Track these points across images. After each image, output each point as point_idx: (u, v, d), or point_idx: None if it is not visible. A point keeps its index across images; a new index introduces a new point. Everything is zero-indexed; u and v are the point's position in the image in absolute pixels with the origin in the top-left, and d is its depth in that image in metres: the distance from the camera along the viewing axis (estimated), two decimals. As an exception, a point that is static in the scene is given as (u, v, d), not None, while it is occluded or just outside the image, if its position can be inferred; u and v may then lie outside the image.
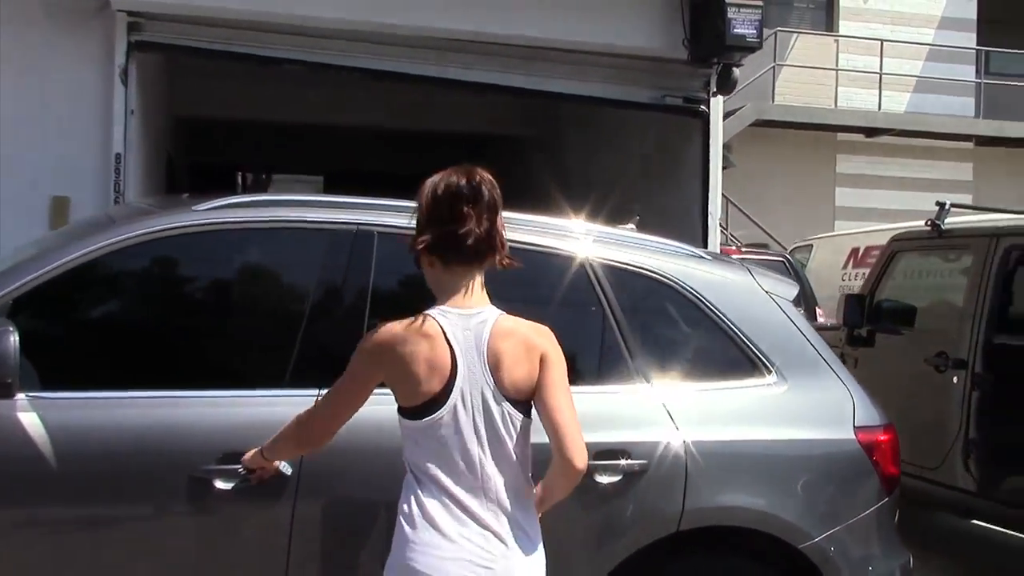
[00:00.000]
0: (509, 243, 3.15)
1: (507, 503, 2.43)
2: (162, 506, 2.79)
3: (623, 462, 3.04)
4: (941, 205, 5.96)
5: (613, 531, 3.04)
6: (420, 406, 2.39)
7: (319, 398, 2.62)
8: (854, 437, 3.31)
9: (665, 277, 3.32)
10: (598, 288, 3.24)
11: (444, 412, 2.39)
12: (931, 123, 16.79)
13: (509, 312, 2.52)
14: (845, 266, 10.80)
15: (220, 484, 2.76)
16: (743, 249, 11.21)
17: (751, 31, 5.32)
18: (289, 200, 3.19)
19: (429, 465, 2.40)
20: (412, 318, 2.42)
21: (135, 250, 2.96)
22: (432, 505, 2.38)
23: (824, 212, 16.82)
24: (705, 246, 6.19)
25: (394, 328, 2.42)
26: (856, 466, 3.31)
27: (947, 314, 5.96)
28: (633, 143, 7.28)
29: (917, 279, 6.43)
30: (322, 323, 3.02)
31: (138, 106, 5.59)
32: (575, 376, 3.12)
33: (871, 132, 16.80)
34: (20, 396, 2.72)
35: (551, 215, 3.50)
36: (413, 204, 3.07)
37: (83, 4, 5.29)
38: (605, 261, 3.29)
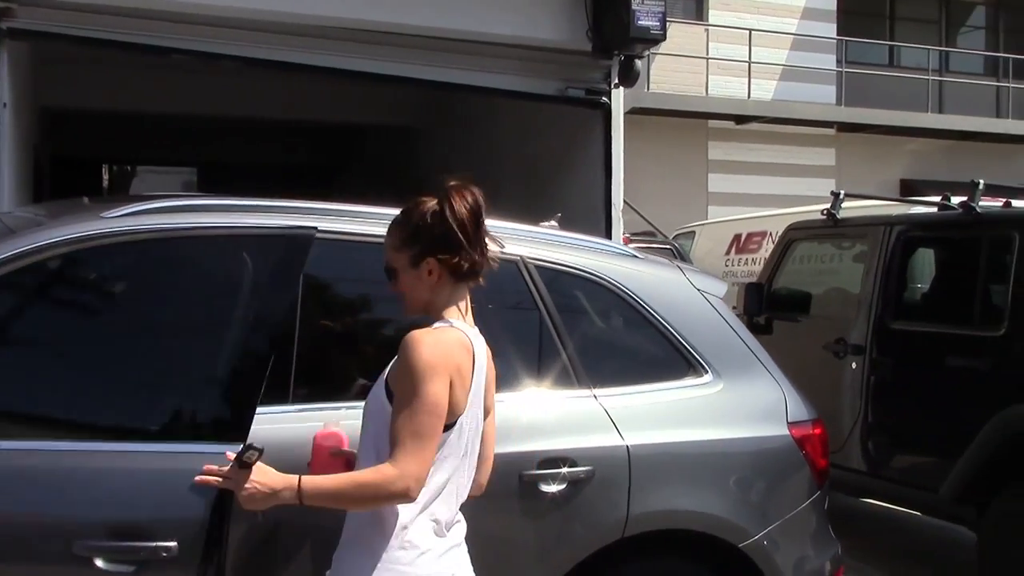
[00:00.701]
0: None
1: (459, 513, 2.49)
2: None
3: (567, 470, 2.96)
4: (836, 195, 6.10)
5: (559, 540, 2.96)
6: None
7: (399, 448, 2.26)
8: (788, 433, 3.32)
9: (601, 277, 3.25)
10: (534, 290, 3.15)
11: (455, 429, 2.36)
12: (797, 110, 17.33)
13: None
14: (728, 252, 11.01)
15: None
16: (632, 237, 11.30)
17: (655, 23, 5.31)
18: (211, 205, 2.95)
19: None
20: (447, 328, 2.38)
21: (37, 266, 2.68)
22: (422, 521, 2.34)
23: (698, 198, 17.19)
24: (609, 238, 6.16)
25: (447, 340, 2.34)
26: (791, 461, 3.32)
27: (844, 301, 6.12)
28: (538, 135, 7.19)
29: (814, 266, 6.58)
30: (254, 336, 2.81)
31: (10, 99, 5.19)
32: (516, 382, 3.06)
33: (741, 119, 17.23)
34: None
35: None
36: (347, 207, 2.93)
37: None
38: (539, 262, 3.19)
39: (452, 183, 2.43)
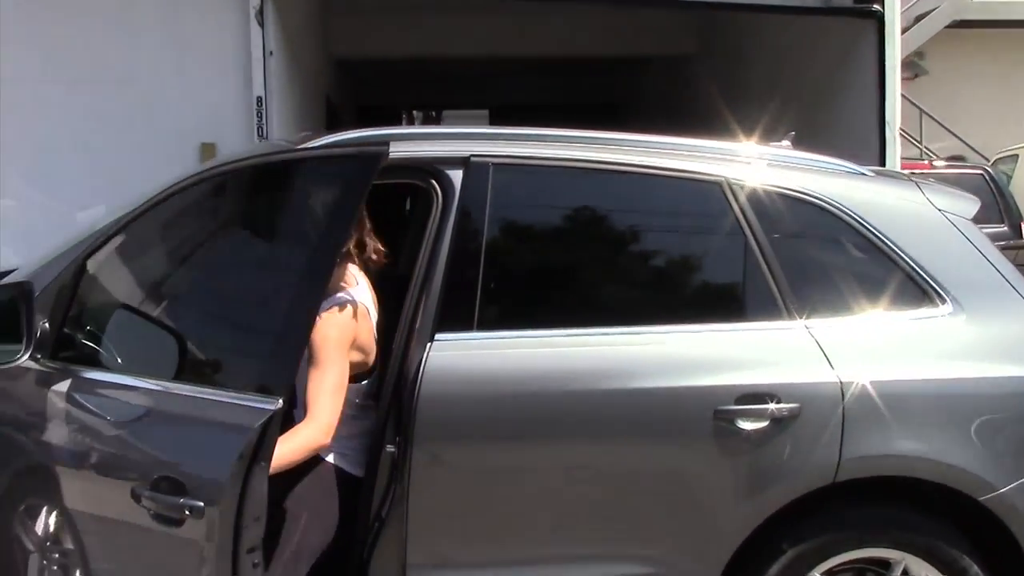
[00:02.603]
0: (638, 168, 2.89)
1: None
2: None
3: (770, 406, 2.72)
4: None
5: (760, 483, 2.74)
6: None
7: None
8: (1049, 373, 2.86)
9: (817, 198, 2.94)
10: (738, 213, 2.90)
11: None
12: None
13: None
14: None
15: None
16: (935, 164, 10.33)
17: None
18: (397, 134, 2.98)
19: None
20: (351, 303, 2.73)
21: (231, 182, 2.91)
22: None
23: (1027, 119, 15.36)
24: (883, 161, 5.64)
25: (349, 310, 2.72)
26: (1051, 406, 2.86)
27: None
28: (801, 53, 6.71)
29: None
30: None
31: (280, 47, 5.54)
32: (712, 311, 2.86)
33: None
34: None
35: (716, 135, 3.19)
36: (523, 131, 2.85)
37: (221, -54, 5.26)
38: (745, 183, 2.94)
39: None
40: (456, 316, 2.76)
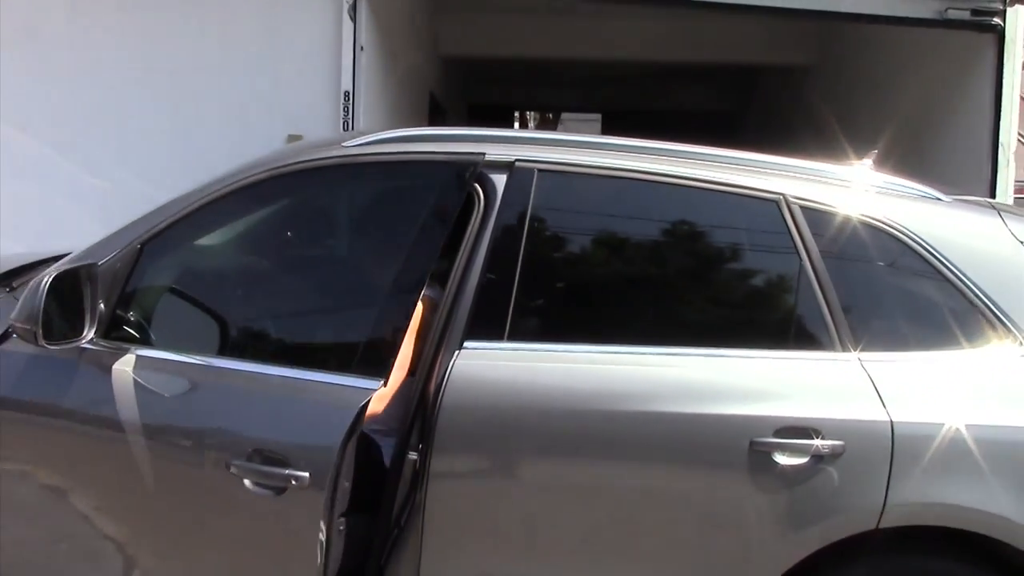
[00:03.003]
0: (688, 181, 2.77)
1: None
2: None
3: (812, 442, 2.55)
4: None
5: (795, 522, 2.57)
6: None
7: None
8: None
9: (883, 223, 2.75)
10: (795, 233, 2.74)
11: None
12: None
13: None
14: None
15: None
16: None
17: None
18: (440, 135, 2.92)
19: None
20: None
21: (272, 186, 2.84)
22: None
23: None
24: (993, 185, 5.32)
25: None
26: None
27: None
28: (915, 69, 6.39)
29: None
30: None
31: (373, 43, 5.56)
32: (755, 336, 2.71)
33: None
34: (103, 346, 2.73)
35: (822, 150, 3.04)
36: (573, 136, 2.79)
37: (318, -58, 5.31)
38: (805, 202, 2.77)
39: None
40: (487, 324, 2.68)
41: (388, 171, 2.88)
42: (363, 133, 2.96)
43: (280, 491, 2.51)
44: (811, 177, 2.88)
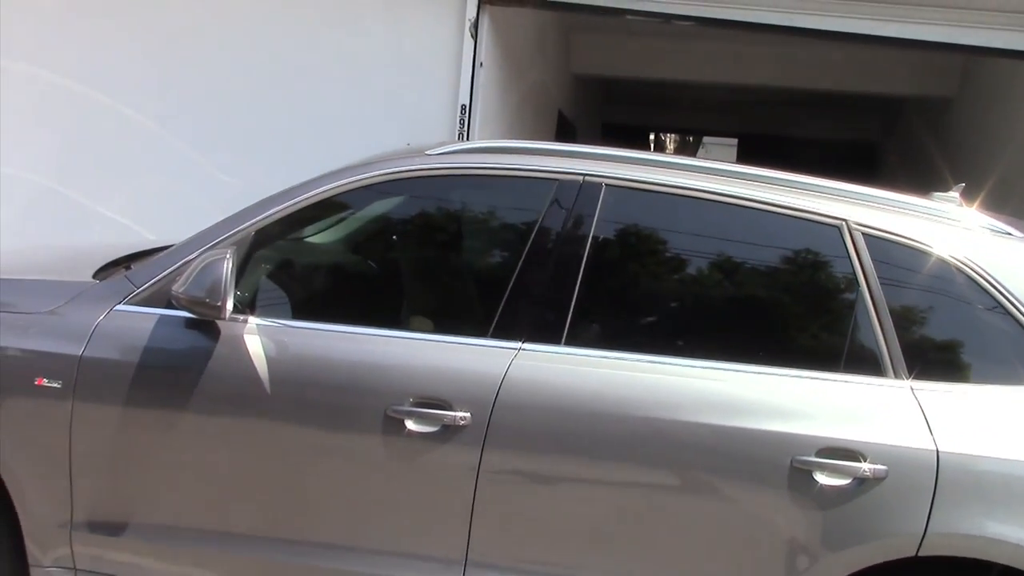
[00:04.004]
0: (751, 202, 2.84)
1: None
2: (356, 440, 2.84)
3: (855, 464, 2.58)
4: None
5: (832, 543, 2.59)
6: None
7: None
8: None
9: (948, 254, 2.76)
10: (855, 258, 2.77)
11: None
12: None
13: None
14: None
15: (412, 425, 2.76)
16: None
17: None
18: (518, 148, 3.09)
19: None
20: None
21: (362, 192, 3.04)
22: None
23: None
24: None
25: None
26: None
27: None
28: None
29: None
30: (534, 275, 2.89)
31: (494, 60, 5.76)
32: (809, 358, 2.76)
33: None
34: (242, 318, 2.91)
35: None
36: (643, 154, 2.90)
37: (442, -39, 5.56)
38: (869, 229, 2.80)
39: None
40: (546, 328, 2.81)
41: (465, 183, 3.06)
42: (445, 143, 3.16)
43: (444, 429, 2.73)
44: (880, 205, 2.90)
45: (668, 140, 17.59)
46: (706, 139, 18.54)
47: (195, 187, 5.88)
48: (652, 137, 15.92)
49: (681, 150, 17.66)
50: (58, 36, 6.02)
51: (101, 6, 5.99)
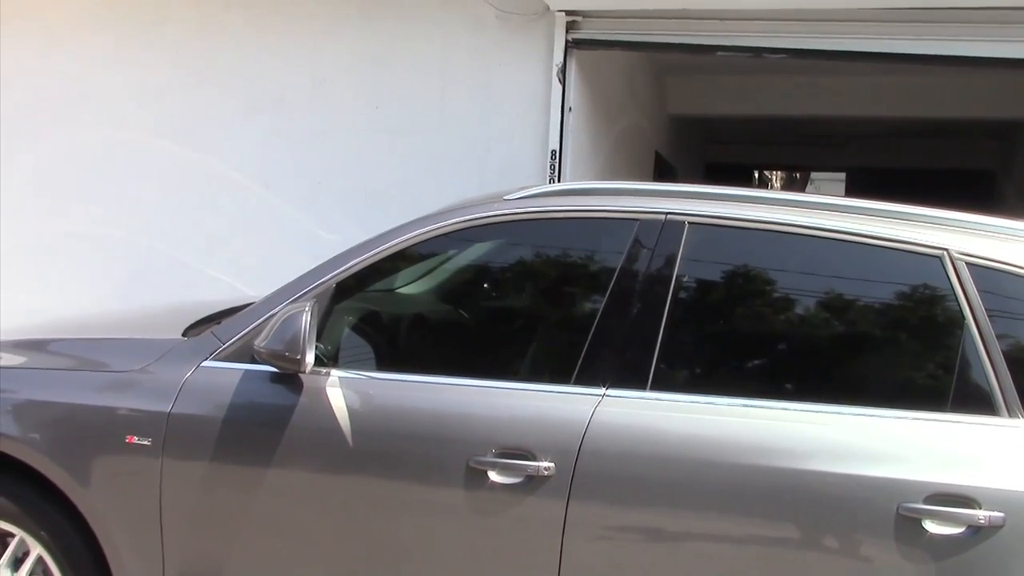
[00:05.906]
0: (842, 235, 2.71)
1: None
2: (440, 492, 2.77)
3: (968, 511, 2.40)
4: None
5: (946, 596, 2.41)
6: None
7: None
8: None
9: (1059, 281, 2.56)
10: (959, 290, 2.60)
11: None
12: None
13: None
14: None
15: (495, 477, 2.68)
16: None
17: None
18: (598, 188, 3.02)
19: None
20: None
21: (441, 241, 3.01)
22: None
23: None
24: None
25: None
26: None
27: None
28: None
29: None
30: (616, 319, 2.80)
31: (583, 104, 5.73)
32: (913, 398, 2.59)
33: None
34: (324, 371, 2.89)
35: None
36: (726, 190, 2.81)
37: (529, 7, 5.55)
38: (973, 258, 2.62)
39: None
40: (630, 372, 2.72)
41: (543, 227, 3.00)
42: (524, 188, 3.11)
43: (528, 480, 2.64)
44: (985, 232, 2.73)
45: (774, 177, 17.26)
46: (814, 175, 18.14)
47: (296, 244, 5.98)
48: (756, 175, 15.63)
49: (788, 187, 17.30)
50: (166, 106, 6.25)
51: (206, 75, 6.20)
